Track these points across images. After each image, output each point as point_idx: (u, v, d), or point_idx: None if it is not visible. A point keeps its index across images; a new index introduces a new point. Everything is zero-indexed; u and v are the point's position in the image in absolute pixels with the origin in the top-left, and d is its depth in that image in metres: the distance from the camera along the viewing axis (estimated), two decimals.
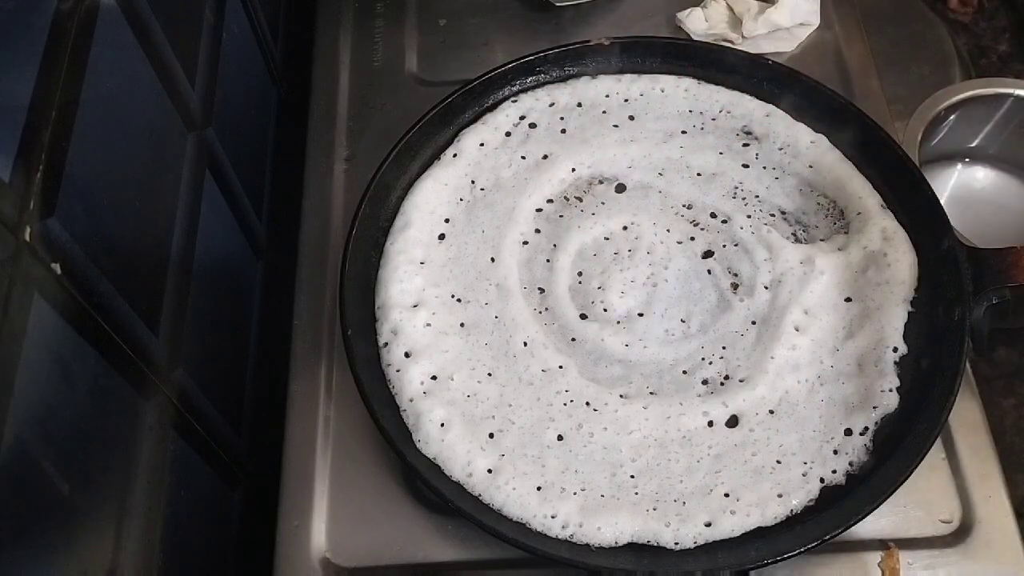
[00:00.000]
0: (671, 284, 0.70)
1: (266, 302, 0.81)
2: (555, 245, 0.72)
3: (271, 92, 0.90)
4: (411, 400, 0.65)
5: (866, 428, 0.63)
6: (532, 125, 0.77)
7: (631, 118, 0.77)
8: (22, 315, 0.43)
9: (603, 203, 0.74)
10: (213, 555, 0.67)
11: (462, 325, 0.68)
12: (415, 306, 0.68)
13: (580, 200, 0.74)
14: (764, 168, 0.75)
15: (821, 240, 0.71)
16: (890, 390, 0.64)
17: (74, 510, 0.47)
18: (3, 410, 0.41)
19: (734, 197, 0.73)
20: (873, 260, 0.69)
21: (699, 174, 0.75)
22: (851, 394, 0.64)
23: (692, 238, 0.72)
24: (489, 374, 0.66)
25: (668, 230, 0.72)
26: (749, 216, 0.72)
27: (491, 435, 0.64)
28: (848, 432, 0.63)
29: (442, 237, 0.72)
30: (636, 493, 0.61)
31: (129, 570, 0.52)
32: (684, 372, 0.67)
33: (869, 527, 0.62)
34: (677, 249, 0.71)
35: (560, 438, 0.64)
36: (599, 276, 0.70)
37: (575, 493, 0.61)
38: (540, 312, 0.69)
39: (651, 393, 0.65)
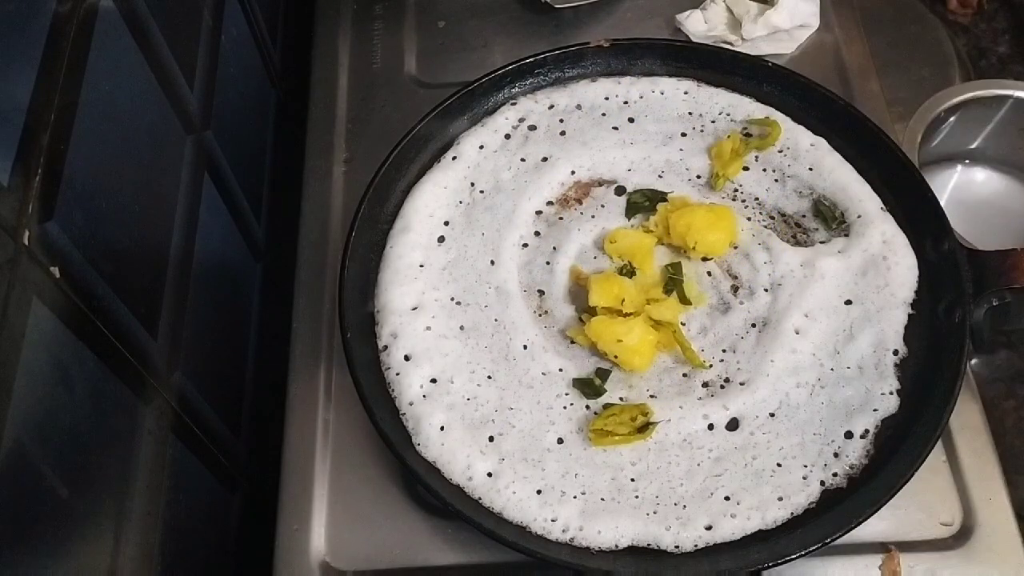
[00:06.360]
0: None
1: (265, 305, 0.81)
2: (555, 247, 0.71)
3: (270, 94, 0.90)
4: (411, 403, 0.64)
5: (867, 431, 0.63)
6: (531, 127, 0.77)
7: (631, 120, 0.77)
8: (21, 319, 0.43)
9: (603, 205, 0.73)
10: (212, 559, 0.66)
11: (462, 328, 0.68)
12: (415, 309, 0.68)
13: (580, 202, 0.74)
14: (764, 171, 0.74)
15: (821, 243, 0.71)
16: (890, 392, 0.64)
17: (73, 514, 0.46)
18: (2, 414, 0.40)
19: (734, 200, 0.73)
20: (873, 263, 0.69)
21: (699, 176, 0.74)
22: (851, 397, 0.64)
23: None
24: (489, 377, 0.66)
25: None
26: (749, 219, 0.72)
27: (491, 438, 0.63)
28: (849, 435, 0.63)
29: (441, 240, 0.72)
30: (636, 496, 0.61)
31: (128, 574, 0.52)
32: (684, 375, 0.66)
33: (870, 530, 0.62)
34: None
35: (560, 441, 0.64)
36: None
37: (575, 497, 0.61)
38: (540, 315, 0.69)
39: (651, 396, 0.65)
